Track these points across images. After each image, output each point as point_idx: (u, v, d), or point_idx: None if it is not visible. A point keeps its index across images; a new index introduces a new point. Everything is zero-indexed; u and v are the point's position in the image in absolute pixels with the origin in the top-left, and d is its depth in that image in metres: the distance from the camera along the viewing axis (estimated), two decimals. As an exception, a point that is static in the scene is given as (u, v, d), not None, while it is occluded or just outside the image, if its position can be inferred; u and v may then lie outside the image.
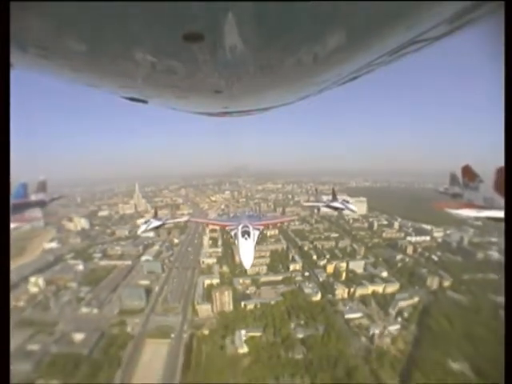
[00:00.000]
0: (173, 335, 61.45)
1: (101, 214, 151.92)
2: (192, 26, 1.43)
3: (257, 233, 15.02)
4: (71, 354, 56.08)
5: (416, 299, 71.80)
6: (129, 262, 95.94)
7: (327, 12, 1.43)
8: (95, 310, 71.05)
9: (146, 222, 28.25)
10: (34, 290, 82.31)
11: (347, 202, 29.28)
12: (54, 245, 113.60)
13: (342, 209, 28.67)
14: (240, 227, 14.88)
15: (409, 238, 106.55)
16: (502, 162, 2.59)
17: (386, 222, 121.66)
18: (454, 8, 1.54)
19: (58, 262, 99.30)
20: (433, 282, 79.30)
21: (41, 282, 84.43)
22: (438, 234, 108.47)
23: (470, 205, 13.59)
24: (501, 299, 66.49)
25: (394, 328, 62.57)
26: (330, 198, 29.78)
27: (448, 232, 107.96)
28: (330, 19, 1.51)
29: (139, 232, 31.69)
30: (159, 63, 1.99)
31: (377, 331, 60.58)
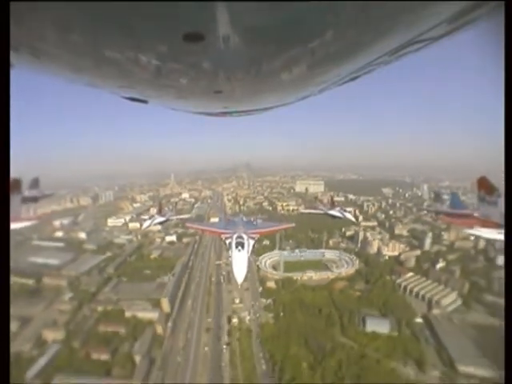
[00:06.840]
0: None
1: (148, 194, 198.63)
2: (192, 26, 1.42)
3: (252, 242, 14.98)
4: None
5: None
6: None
7: (327, 12, 1.43)
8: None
9: (150, 218, 28.94)
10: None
11: (345, 210, 29.91)
12: (138, 205, 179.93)
13: (340, 217, 28.82)
14: (234, 237, 14.77)
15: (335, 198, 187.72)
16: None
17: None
18: (454, 8, 1.53)
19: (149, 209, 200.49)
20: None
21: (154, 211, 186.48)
22: (352, 197, 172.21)
23: (487, 222, 12.50)
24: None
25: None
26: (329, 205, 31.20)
27: (359, 197, 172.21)
28: (329, 19, 1.52)
29: (144, 227, 31.34)
30: (159, 63, 2.04)
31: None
